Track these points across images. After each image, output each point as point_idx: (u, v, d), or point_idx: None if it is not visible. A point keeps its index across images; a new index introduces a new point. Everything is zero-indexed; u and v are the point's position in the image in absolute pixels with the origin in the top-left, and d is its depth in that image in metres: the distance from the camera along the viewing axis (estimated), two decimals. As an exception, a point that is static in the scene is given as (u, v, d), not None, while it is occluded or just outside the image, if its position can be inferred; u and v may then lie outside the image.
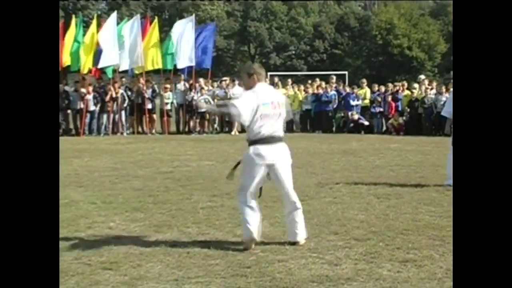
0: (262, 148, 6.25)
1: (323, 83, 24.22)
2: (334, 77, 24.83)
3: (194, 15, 26.29)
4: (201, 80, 23.87)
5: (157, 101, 23.33)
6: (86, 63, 22.02)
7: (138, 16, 24.62)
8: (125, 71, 23.94)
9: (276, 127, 6.31)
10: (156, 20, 23.80)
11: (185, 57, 23.18)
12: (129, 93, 22.95)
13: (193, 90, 22.91)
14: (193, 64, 23.35)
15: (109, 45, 22.11)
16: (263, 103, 6.16)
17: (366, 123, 22.65)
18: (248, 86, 6.34)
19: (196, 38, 23.53)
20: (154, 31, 23.08)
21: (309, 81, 25.40)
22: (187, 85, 23.55)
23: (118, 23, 23.30)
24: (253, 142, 6.27)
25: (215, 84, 24.22)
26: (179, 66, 23.39)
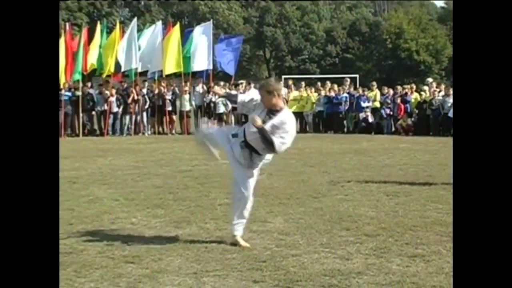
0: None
1: (335, 86, 24.18)
2: (348, 80, 24.78)
3: (212, 20, 26.32)
4: (221, 83, 24.04)
5: (177, 103, 23.39)
6: (108, 67, 22.13)
7: (160, 22, 24.70)
8: (147, 74, 24.06)
9: None
10: (178, 25, 23.88)
11: (202, 61, 23.25)
12: (151, 95, 23.04)
13: (211, 93, 22.97)
14: (211, 67, 23.44)
15: (131, 50, 22.22)
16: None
17: (371, 120, 22.63)
18: (269, 104, 5.91)
19: (223, 46, 23.78)
20: (175, 36, 23.14)
21: (319, 83, 25.33)
22: (205, 87, 23.63)
23: (140, 29, 23.40)
24: None
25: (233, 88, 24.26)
26: (195, 69, 23.48)
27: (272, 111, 5.93)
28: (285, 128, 5.87)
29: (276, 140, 5.80)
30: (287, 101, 23.50)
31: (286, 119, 5.93)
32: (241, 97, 6.32)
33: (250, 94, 6.34)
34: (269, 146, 5.82)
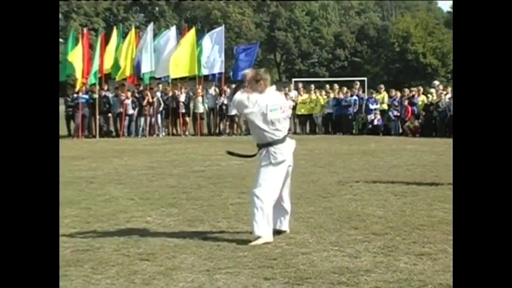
0: (282, 148, 6.20)
1: (345, 88, 24.14)
2: (358, 83, 24.72)
3: (223, 25, 26.36)
4: (233, 86, 24.04)
5: (191, 105, 23.42)
6: (123, 70, 22.23)
7: (174, 27, 24.76)
8: (161, 78, 24.12)
9: (286, 128, 6.33)
10: (193, 29, 23.94)
11: (214, 64, 23.33)
12: (165, 97, 23.10)
13: (223, 95, 23.03)
14: (222, 70, 23.53)
15: (146, 53, 22.30)
16: (272, 109, 6.14)
17: (376, 122, 22.59)
18: (257, 92, 6.26)
19: (240, 53, 23.91)
20: (189, 40, 23.17)
21: (328, 86, 25.28)
22: (217, 90, 23.68)
23: (155, 34, 23.48)
24: (268, 144, 6.21)
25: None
26: (205, 73, 23.56)
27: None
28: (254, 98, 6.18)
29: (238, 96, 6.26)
30: (296, 104, 23.54)
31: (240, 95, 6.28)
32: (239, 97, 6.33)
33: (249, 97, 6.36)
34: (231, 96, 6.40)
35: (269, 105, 6.16)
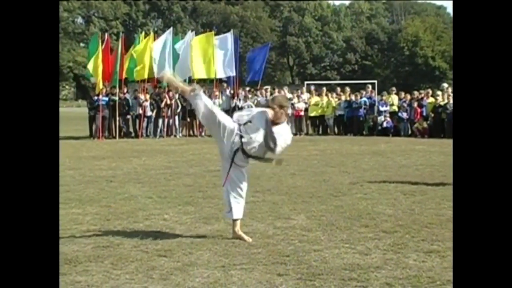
0: None
1: (363, 92, 24.07)
2: (370, 86, 24.63)
3: (232, 30, 26.34)
4: (246, 89, 24.22)
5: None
6: (141, 72, 22.32)
7: (192, 32, 24.80)
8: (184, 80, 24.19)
9: None
10: (211, 33, 24.00)
11: (226, 68, 23.39)
12: (182, 99, 23.14)
13: (236, 98, 23.11)
14: (234, 74, 23.60)
15: (164, 56, 22.39)
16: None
17: (386, 123, 22.51)
18: (277, 117, 6.03)
19: (252, 55, 23.98)
20: (206, 43, 23.21)
21: (338, 89, 25.19)
22: (231, 92, 23.71)
23: (172, 38, 23.54)
24: None
25: (257, 93, 24.23)
26: (219, 76, 23.61)
27: (274, 123, 6.02)
28: (282, 136, 5.99)
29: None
30: (309, 106, 23.52)
31: (285, 130, 6.10)
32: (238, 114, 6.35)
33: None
34: (273, 144, 5.91)
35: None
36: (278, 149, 5.97)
